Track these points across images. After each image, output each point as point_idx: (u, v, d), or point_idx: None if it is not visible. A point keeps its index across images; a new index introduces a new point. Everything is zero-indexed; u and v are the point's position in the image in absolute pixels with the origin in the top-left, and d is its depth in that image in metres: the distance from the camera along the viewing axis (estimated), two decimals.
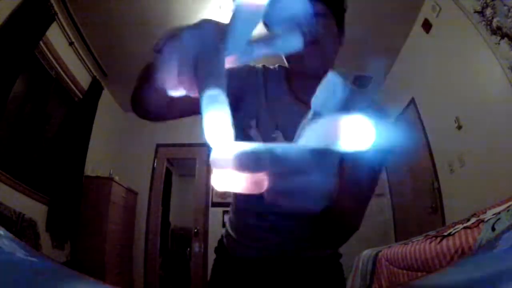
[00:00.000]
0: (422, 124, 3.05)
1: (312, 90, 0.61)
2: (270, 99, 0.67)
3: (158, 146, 4.40)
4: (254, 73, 0.70)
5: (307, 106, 0.55)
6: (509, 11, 1.80)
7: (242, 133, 0.65)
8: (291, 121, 0.62)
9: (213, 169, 0.21)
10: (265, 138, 0.64)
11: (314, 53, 0.59)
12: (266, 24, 0.50)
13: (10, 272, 0.29)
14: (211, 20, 0.25)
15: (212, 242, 4.08)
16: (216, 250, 0.83)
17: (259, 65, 0.71)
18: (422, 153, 3.05)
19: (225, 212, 4.04)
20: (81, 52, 3.19)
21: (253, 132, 0.65)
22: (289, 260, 0.73)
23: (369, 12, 2.85)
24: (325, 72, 0.64)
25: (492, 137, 2.11)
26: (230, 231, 0.78)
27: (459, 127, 2.46)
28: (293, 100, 0.67)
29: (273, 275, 0.73)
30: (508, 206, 1.26)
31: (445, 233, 1.43)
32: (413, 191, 3.31)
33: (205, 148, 3.51)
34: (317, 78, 0.64)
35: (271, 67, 0.73)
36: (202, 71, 0.23)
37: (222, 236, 0.84)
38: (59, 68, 2.95)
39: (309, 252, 0.74)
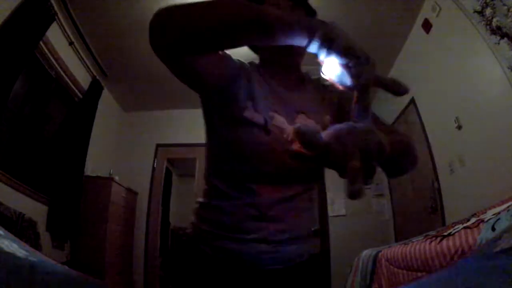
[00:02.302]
0: (422, 124, 3.05)
1: (286, 79, 0.75)
2: (260, 84, 0.71)
3: (158, 146, 4.40)
4: (245, 65, 0.73)
5: (284, 93, 0.72)
6: (509, 11, 1.80)
7: (239, 112, 0.66)
8: (282, 102, 0.71)
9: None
10: (264, 116, 0.67)
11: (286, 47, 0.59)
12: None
13: (10, 272, 0.29)
14: None
15: None
16: (186, 245, 0.73)
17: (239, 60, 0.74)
18: (422, 153, 3.05)
19: None
20: (81, 52, 3.19)
21: (249, 112, 0.66)
22: (278, 258, 0.67)
23: (370, 12, 2.85)
24: (296, 62, 0.77)
25: (492, 137, 2.11)
26: (214, 222, 0.69)
27: (459, 127, 2.46)
28: (276, 86, 0.72)
29: (260, 275, 0.66)
30: (508, 206, 1.26)
31: (445, 233, 1.43)
32: (413, 191, 3.31)
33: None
34: (290, 67, 0.76)
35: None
36: None
37: (196, 228, 0.72)
38: (59, 68, 2.95)
39: (301, 244, 0.71)
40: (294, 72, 0.78)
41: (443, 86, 2.68)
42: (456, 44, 2.43)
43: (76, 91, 3.29)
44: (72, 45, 3.02)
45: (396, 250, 1.77)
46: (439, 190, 2.78)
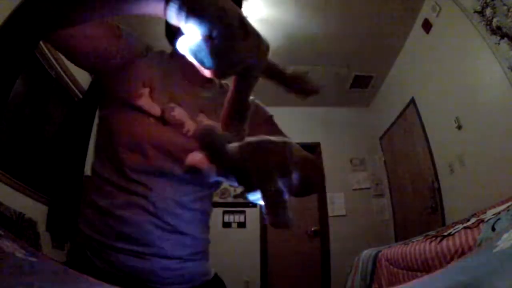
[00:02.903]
0: (422, 124, 3.05)
1: (194, 75, 0.60)
2: (163, 73, 0.65)
3: None
4: (151, 50, 0.67)
5: (189, 87, 0.65)
6: (509, 11, 1.80)
7: (131, 99, 0.59)
8: (184, 95, 0.64)
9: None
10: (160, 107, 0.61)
11: None
12: None
13: (10, 272, 0.29)
14: None
15: (212, 242, 4.07)
16: (72, 253, 0.61)
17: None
18: (422, 153, 3.05)
19: (225, 212, 4.04)
20: None
21: (145, 100, 0.59)
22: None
23: (369, 12, 2.85)
24: None
25: (492, 137, 2.11)
26: (103, 227, 0.57)
27: (459, 127, 2.46)
28: (181, 79, 0.66)
29: None
30: (508, 206, 1.26)
31: (445, 233, 1.43)
32: (413, 191, 3.31)
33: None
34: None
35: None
36: None
37: (81, 234, 0.59)
38: (59, 68, 2.95)
39: (204, 260, 0.66)
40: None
41: (443, 86, 2.68)
42: (456, 44, 2.44)
43: (76, 91, 3.28)
44: None
45: (396, 250, 1.77)
46: (439, 190, 2.78)
